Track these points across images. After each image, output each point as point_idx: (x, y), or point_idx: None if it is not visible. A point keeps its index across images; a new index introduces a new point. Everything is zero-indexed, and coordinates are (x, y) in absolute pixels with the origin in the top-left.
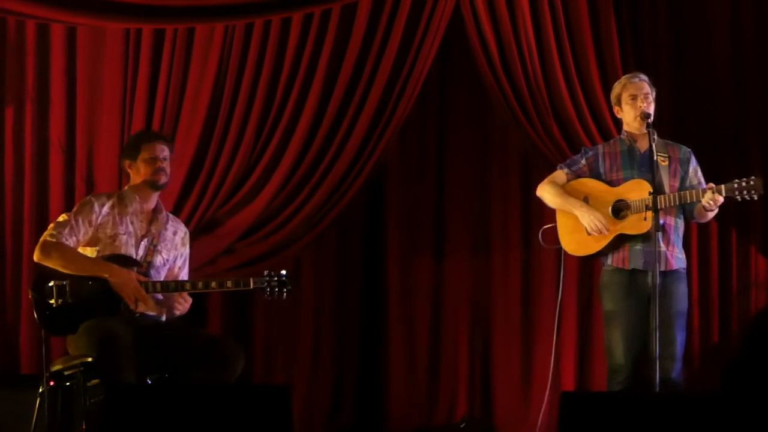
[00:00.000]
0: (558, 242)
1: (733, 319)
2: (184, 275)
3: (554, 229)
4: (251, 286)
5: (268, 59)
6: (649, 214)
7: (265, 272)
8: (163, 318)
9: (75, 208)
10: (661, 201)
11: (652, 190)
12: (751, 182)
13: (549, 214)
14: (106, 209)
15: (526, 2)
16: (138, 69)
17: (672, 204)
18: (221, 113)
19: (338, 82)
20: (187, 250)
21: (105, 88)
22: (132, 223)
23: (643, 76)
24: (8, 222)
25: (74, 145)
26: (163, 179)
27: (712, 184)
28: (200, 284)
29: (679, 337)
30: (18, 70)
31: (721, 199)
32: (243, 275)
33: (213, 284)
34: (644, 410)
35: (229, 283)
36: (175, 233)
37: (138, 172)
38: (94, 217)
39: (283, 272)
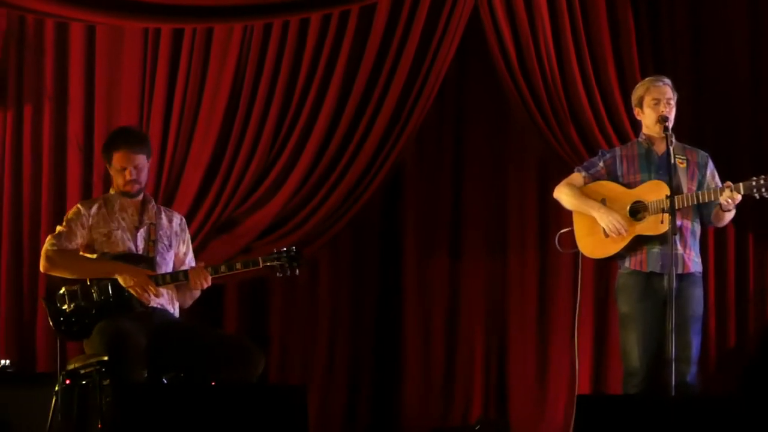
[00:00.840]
0: (575, 246)
1: (750, 323)
2: (190, 260)
3: (571, 234)
4: (261, 265)
5: (286, 60)
6: (666, 215)
7: (274, 249)
8: (176, 312)
9: (66, 218)
10: (678, 201)
11: (669, 192)
12: None
13: (566, 215)
14: (94, 210)
15: (544, 4)
16: (156, 68)
17: (690, 203)
18: (239, 113)
19: (356, 83)
20: (188, 235)
21: (123, 88)
22: (123, 219)
23: (667, 80)
24: (26, 221)
25: (92, 144)
26: (136, 188)
27: (729, 183)
28: (209, 269)
29: (695, 341)
30: (36, 68)
31: (738, 198)
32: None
33: (222, 268)
34: (660, 414)
35: (238, 265)
36: (170, 220)
37: (113, 177)
38: (84, 219)
39: (293, 247)
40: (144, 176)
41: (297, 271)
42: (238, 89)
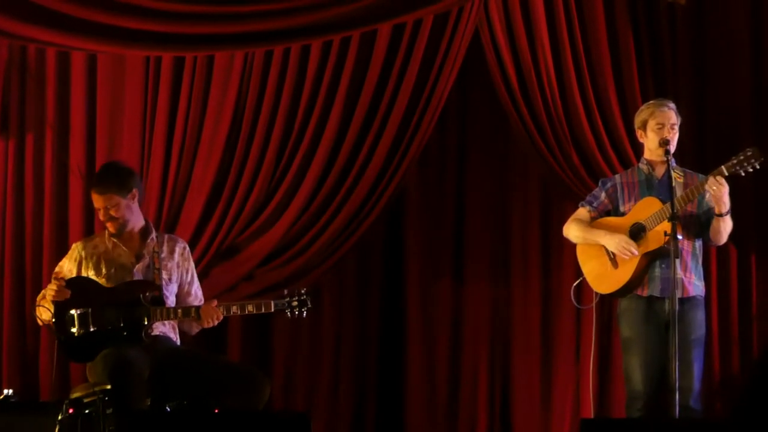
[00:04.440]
0: (595, 298)
1: (753, 344)
2: (196, 289)
3: (584, 284)
4: (272, 309)
5: (288, 86)
6: (666, 224)
7: (285, 292)
8: (177, 341)
9: (56, 271)
10: (675, 206)
11: (662, 204)
12: (749, 153)
13: (569, 242)
14: (88, 252)
15: (545, 30)
16: (158, 96)
17: (683, 205)
18: (241, 140)
19: (357, 109)
20: (192, 264)
21: (125, 116)
22: (120, 255)
23: (672, 105)
24: (28, 249)
25: (94, 173)
26: (116, 227)
27: (711, 174)
28: (222, 308)
29: (697, 364)
30: (38, 97)
31: (725, 185)
32: (263, 298)
33: (234, 308)
34: None
35: (250, 307)
36: (172, 251)
37: None
38: (70, 264)
39: (303, 291)
40: (124, 213)
41: (305, 314)
42: (239, 116)
